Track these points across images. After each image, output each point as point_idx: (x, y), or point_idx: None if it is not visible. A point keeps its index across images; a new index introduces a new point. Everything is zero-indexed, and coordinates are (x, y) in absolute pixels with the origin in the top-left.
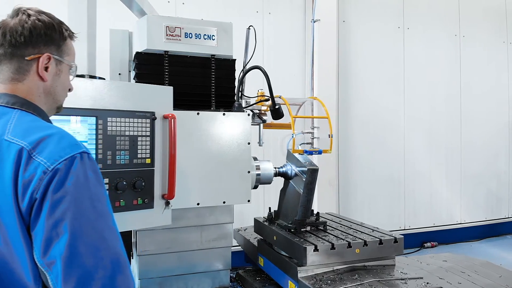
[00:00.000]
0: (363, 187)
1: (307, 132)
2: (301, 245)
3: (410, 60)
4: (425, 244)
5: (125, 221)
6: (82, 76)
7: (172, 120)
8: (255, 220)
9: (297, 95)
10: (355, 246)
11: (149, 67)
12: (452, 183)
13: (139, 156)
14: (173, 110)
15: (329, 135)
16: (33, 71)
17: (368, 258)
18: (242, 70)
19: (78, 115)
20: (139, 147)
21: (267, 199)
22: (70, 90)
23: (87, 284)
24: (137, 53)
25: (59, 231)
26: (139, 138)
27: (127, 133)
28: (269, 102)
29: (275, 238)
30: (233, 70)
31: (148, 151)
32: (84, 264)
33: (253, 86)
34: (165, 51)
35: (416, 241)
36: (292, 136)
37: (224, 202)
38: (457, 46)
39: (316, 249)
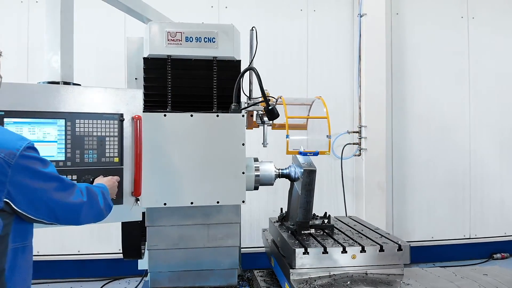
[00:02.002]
0: (421, 191)
1: (354, 132)
2: (291, 247)
3: (476, 51)
4: (494, 255)
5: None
6: (56, 83)
7: (138, 121)
8: (269, 220)
9: (344, 92)
10: (351, 252)
11: (154, 71)
12: None
13: (107, 155)
14: (169, 112)
15: (327, 136)
16: None
17: (368, 266)
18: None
19: (48, 118)
20: (107, 146)
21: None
22: None
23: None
24: (144, 58)
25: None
26: (107, 139)
27: (94, 133)
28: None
29: (278, 239)
30: (236, 71)
31: (116, 150)
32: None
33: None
34: (168, 55)
35: (484, 251)
36: (286, 137)
37: (218, 202)
38: None
39: (306, 252)
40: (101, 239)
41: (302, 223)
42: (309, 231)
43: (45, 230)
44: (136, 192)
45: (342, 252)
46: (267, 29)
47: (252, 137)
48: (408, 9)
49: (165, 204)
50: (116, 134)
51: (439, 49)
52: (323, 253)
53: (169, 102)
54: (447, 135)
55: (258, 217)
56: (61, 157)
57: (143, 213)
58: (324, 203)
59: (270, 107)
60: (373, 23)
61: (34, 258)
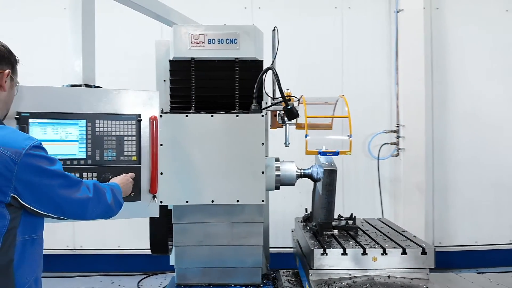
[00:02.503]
0: (464, 193)
1: (391, 131)
2: (309, 247)
3: None
4: None
5: None
6: (78, 85)
7: (154, 121)
8: (295, 221)
9: (381, 90)
10: (372, 254)
11: (179, 73)
12: None
13: (125, 154)
14: (191, 112)
15: (348, 135)
16: None
17: (390, 269)
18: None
19: (70, 118)
20: (125, 146)
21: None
22: None
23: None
24: (170, 61)
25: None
26: (125, 138)
27: (113, 133)
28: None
29: (301, 239)
30: (258, 71)
31: (134, 149)
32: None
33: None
34: (192, 58)
35: None
36: (305, 137)
37: (237, 201)
38: None
39: (324, 253)
40: (139, 235)
41: (324, 224)
42: (331, 232)
43: (88, 226)
44: (153, 190)
45: (362, 254)
46: (301, 28)
47: (280, 137)
48: (449, 3)
49: (187, 202)
50: (134, 134)
51: (483, 43)
52: (342, 254)
53: (193, 103)
54: (493, 133)
55: (294, 217)
56: (83, 155)
57: (170, 210)
58: (361, 204)
59: (288, 107)
60: (410, 18)
61: (77, 252)
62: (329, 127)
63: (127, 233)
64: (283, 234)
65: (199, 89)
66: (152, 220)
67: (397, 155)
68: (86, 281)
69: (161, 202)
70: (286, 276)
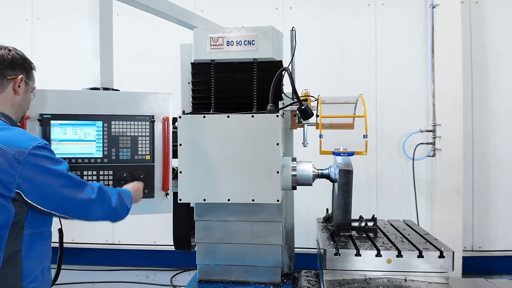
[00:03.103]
0: (506, 195)
1: (427, 131)
2: (322, 247)
3: None
4: None
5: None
6: (97, 88)
7: (166, 122)
8: (316, 221)
9: (417, 89)
10: (386, 256)
11: (199, 75)
12: None
13: (139, 153)
14: (208, 113)
15: (364, 135)
16: (11, 87)
17: (405, 272)
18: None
19: (88, 120)
20: (139, 145)
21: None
22: None
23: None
24: (191, 64)
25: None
26: (140, 138)
27: (128, 133)
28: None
29: (319, 240)
30: (276, 71)
31: (148, 149)
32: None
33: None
34: (211, 60)
35: None
36: (320, 137)
37: (253, 200)
38: None
39: (337, 253)
40: None
41: (341, 225)
42: (349, 233)
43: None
44: (165, 187)
45: (376, 256)
46: (333, 26)
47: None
48: None
49: (204, 200)
50: (147, 134)
51: None
52: (355, 255)
53: (212, 104)
54: None
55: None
56: (99, 154)
57: (192, 208)
58: (396, 207)
59: (303, 107)
60: (447, 14)
61: (116, 247)
62: (350, 127)
63: (162, 229)
64: (315, 235)
65: (218, 91)
66: (175, 217)
67: (433, 156)
68: (123, 275)
69: (180, 199)
70: (307, 276)
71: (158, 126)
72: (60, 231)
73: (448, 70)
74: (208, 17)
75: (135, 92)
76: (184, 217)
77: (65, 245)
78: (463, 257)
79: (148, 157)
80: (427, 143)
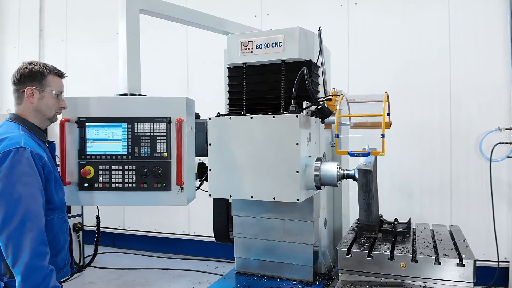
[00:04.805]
0: None
1: (508, 129)
2: (335, 246)
3: None
4: None
5: (149, 198)
6: (125, 95)
7: (179, 123)
8: (355, 221)
9: (498, 84)
10: (400, 260)
11: (233, 79)
12: None
13: (158, 151)
14: (233, 115)
15: (381, 135)
16: (25, 98)
17: (419, 277)
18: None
19: (115, 122)
20: (158, 144)
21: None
22: (63, 108)
23: (8, 219)
24: (227, 67)
25: None
26: (158, 138)
27: (148, 134)
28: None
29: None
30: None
31: (165, 147)
32: (5, 210)
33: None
34: (243, 63)
35: None
36: (336, 137)
37: (274, 198)
38: None
39: (349, 254)
40: None
41: (363, 226)
42: (375, 235)
43: (200, 215)
44: (178, 181)
45: (389, 259)
46: (403, 20)
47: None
48: None
49: (230, 196)
50: (165, 134)
51: None
52: (367, 257)
53: (244, 106)
54: None
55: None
56: (125, 152)
57: (230, 203)
58: (472, 212)
59: (319, 106)
60: None
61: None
62: (387, 126)
63: None
64: None
65: (249, 92)
66: (215, 211)
67: None
68: (195, 264)
69: (209, 195)
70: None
71: (174, 127)
72: (97, 217)
73: None
74: (274, 19)
75: (154, 97)
76: (223, 212)
77: (148, 234)
78: None
79: (165, 154)
80: (506, 143)
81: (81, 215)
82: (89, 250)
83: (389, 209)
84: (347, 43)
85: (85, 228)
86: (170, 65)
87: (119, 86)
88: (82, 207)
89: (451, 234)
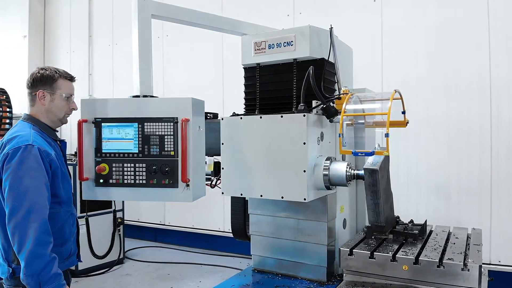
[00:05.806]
0: None
1: None
2: (340, 246)
3: None
4: None
5: (157, 194)
6: (137, 96)
7: (184, 123)
8: None
9: None
10: (402, 262)
11: (247, 79)
12: None
13: (165, 149)
14: (243, 115)
15: (385, 134)
16: (37, 100)
17: (421, 281)
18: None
19: (128, 122)
20: (165, 143)
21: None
22: (73, 109)
23: (15, 209)
24: (243, 68)
25: (5, 184)
26: (166, 137)
27: (157, 133)
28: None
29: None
30: (318, 69)
31: (172, 146)
32: (13, 201)
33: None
34: (257, 64)
35: None
36: (339, 136)
37: (282, 197)
38: None
39: (351, 254)
40: None
41: (372, 226)
42: (385, 236)
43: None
44: (183, 179)
45: (391, 261)
46: (436, 13)
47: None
48: None
49: (241, 194)
50: (172, 133)
51: None
52: (369, 258)
53: (257, 105)
54: None
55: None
56: (136, 150)
57: (247, 201)
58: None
59: (324, 105)
60: None
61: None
62: (402, 124)
63: None
64: None
65: (263, 92)
66: (232, 209)
67: None
68: (228, 260)
69: (222, 193)
70: None
71: (180, 127)
72: (114, 211)
73: None
74: (306, 17)
75: (163, 98)
76: (240, 209)
77: (186, 230)
78: None
79: (172, 152)
80: None
81: (122, 210)
82: (129, 243)
83: (426, 209)
84: (381, 39)
85: (125, 222)
86: (205, 69)
87: (133, 88)
88: (123, 203)
89: (468, 237)
